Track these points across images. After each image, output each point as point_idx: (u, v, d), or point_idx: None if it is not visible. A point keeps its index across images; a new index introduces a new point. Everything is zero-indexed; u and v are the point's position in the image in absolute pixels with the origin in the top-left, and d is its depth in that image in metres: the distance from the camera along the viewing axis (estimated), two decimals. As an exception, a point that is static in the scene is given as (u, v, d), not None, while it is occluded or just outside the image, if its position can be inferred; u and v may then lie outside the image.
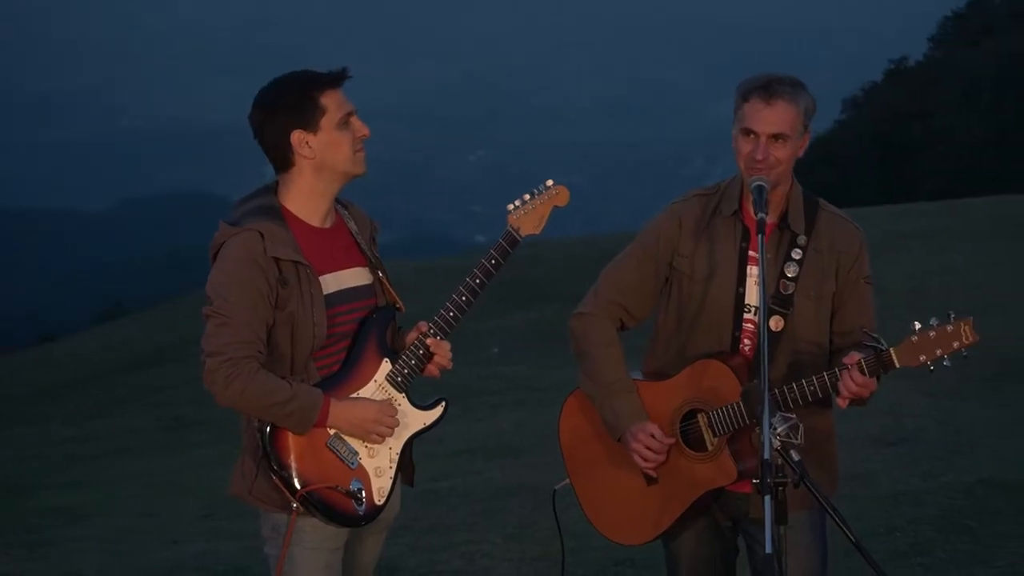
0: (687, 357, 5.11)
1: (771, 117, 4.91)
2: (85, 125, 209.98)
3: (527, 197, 5.07)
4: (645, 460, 5.08)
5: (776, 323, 4.99)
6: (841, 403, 4.84)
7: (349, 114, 4.82)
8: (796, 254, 5.03)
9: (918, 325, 4.68)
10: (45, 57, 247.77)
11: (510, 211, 5.04)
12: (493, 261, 4.96)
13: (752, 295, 5.04)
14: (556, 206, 5.11)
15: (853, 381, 4.74)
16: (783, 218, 5.05)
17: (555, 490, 5.57)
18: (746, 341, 5.05)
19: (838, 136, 62.54)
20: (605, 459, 5.29)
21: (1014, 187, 38.17)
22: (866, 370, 4.72)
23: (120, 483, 11.90)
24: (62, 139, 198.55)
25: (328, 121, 4.78)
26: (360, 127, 4.86)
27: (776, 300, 4.98)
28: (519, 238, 5.02)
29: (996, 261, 21.44)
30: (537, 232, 5.08)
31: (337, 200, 5.02)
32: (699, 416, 5.04)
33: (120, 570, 8.86)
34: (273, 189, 4.91)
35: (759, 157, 4.91)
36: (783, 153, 4.94)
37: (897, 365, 4.70)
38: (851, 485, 9.65)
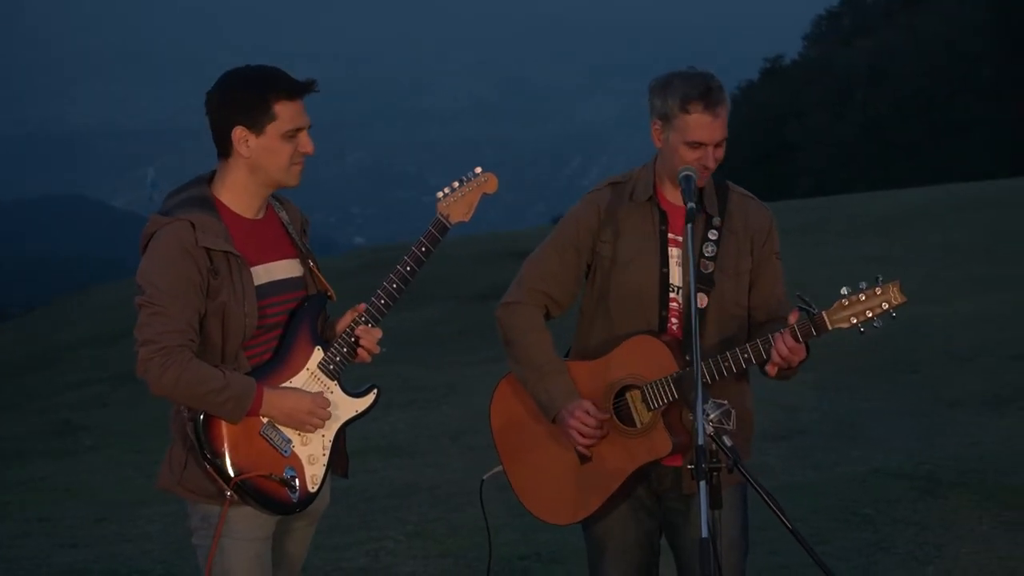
0: (615, 338, 5.20)
1: (718, 126, 5.07)
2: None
3: (456, 184, 5.12)
4: (583, 436, 5.15)
5: (701, 301, 5.11)
6: (771, 370, 4.95)
7: (299, 128, 4.81)
8: (712, 235, 5.18)
9: (847, 289, 4.82)
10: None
11: (439, 199, 5.08)
12: (423, 248, 4.99)
13: (675, 276, 5.19)
14: (485, 193, 5.16)
15: (785, 346, 4.86)
16: (698, 202, 5.14)
17: (483, 479, 5.60)
18: (673, 320, 5.19)
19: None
20: (538, 441, 5.35)
21: (888, 183, 38.77)
22: (799, 334, 4.85)
23: (12, 489, 11.71)
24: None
25: (275, 128, 4.77)
26: (306, 143, 4.86)
27: (698, 279, 5.10)
28: (449, 225, 5.06)
29: (871, 256, 21.73)
30: (466, 219, 5.11)
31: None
32: (629, 393, 5.13)
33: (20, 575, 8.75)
34: (207, 180, 4.91)
35: (711, 166, 5.11)
36: (721, 152, 5.13)
37: (829, 327, 4.84)
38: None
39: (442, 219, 5.05)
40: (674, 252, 5.18)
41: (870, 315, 4.80)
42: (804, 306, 4.87)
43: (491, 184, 5.18)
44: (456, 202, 5.09)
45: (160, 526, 9.46)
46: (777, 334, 4.89)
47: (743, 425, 5.19)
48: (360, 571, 8.25)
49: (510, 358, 5.36)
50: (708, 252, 5.15)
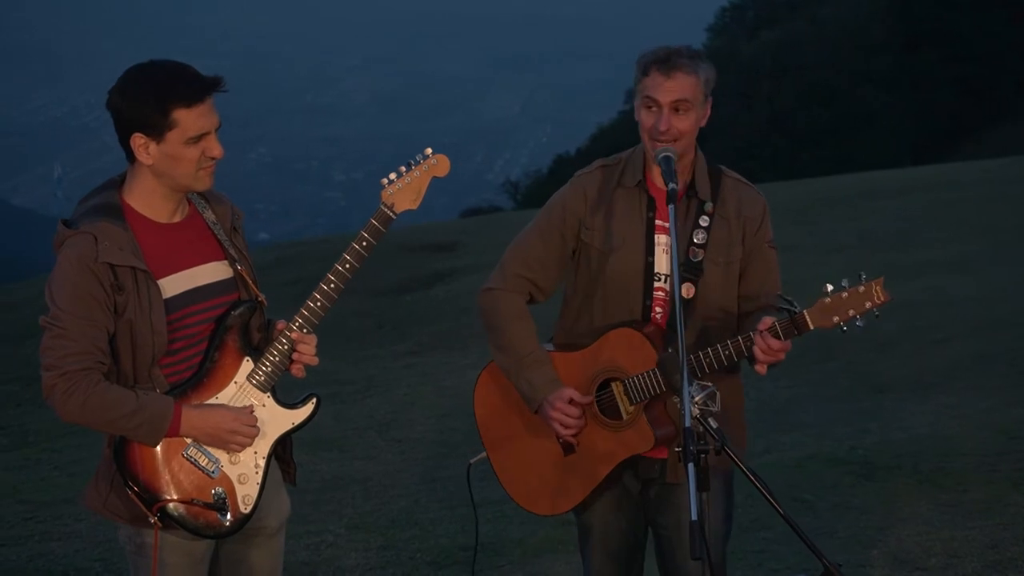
0: (598, 327, 5.13)
1: (671, 86, 4.96)
2: None
3: (403, 170, 4.82)
4: (565, 427, 5.09)
5: (687, 290, 5.04)
6: (760, 369, 4.88)
7: (204, 133, 4.55)
8: (704, 221, 5.08)
9: (830, 287, 4.75)
10: None
11: (384, 186, 4.78)
12: (365, 243, 4.71)
13: (662, 263, 5.08)
14: (435, 176, 4.86)
15: (769, 345, 4.77)
16: (690, 186, 5.10)
17: (470, 464, 5.50)
18: (658, 309, 5.09)
19: (623, 127, 63.27)
20: (521, 431, 5.28)
21: (795, 173, 39.05)
22: (780, 333, 4.75)
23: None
24: None
25: (176, 136, 4.51)
26: (213, 147, 4.58)
27: (686, 267, 5.03)
28: (393, 215, 4.77)
29: (785, 244, 21.76)
30: (415, 207, 4.81)
31: None
32: (614, 385, 5.05)
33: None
34: (118, 183, 4.65)
35: (662, 128, 4.97)
36: (685, 124, 5.00)
37: (811, 327, 4.76)
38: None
39: (386, 209, 4.75)
40: (661, 239, 5.09)
41: (852, 314, 4.72)
42: (786, 305, 4.78)
43: (442, 166, 4.85)
44: (403, 189, 4.78)
45: (88, 524, 9.30)
46: (757, 335, 4.79)
47: (736, 416, 5.18)
48: (303, 565, 8.15)
49: (492, 346, 5.27)
50: (698, 239, 5.06)
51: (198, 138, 4.53)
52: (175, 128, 4.49)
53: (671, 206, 4.72)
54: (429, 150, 4.85)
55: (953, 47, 54.30)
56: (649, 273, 5.08)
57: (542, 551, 8.02)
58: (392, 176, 4.80)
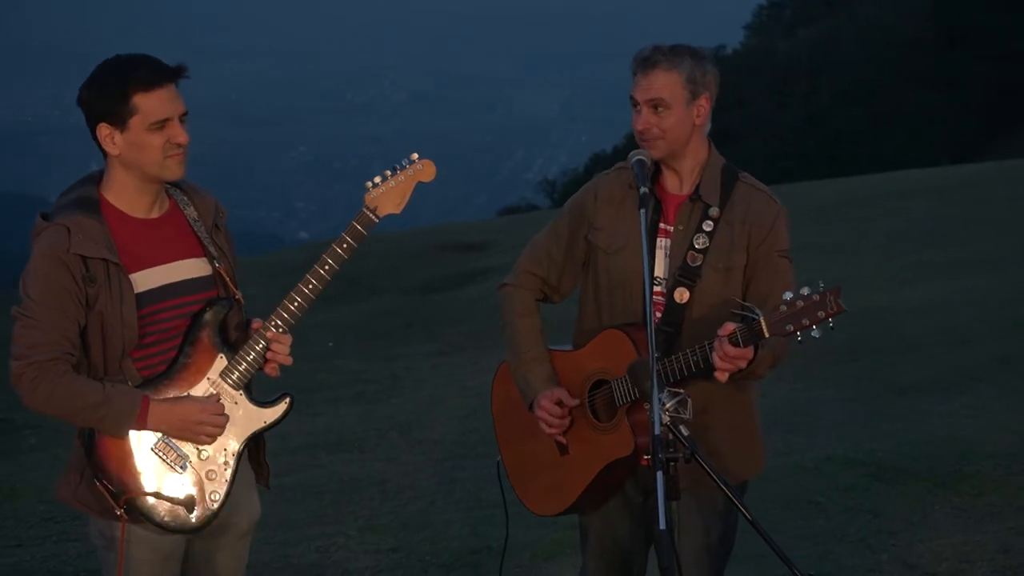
0: (600, 328, 5.10)
1: (648, 85, 4.92)
2: None
3: (388, 173, 4.80)
4: (549, 426, 5.08)
5: (681, 295, 4.96)
6: (720, 376, 4.75)
7: (167, 119, 4.55)
8: (707, 226, 4.99)
9: (789, 295, 4.62)
10: None
11: (368, 189, 4.77)
12: (345, 245, 4.71)
13: (661, 267, 5.02)
14: (421, 182, 4.84)
15: (724, 351, 4.67)
16: (695, 190, 5.02)
17: (497, 461, 5.48)
18: (656, 313, 5.01)
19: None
20: (526, 429, 5.26)
21: (830, 172, 38.88)
22: (740, 340, 4.66)
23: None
24: None
25: (138, 122, 4.53)
26: (177, 133, 4.58)
27: (683, 272, 4.96)
28: (376, 219, 4.77)
29: (816, 244, 21.75)
30: (398, 212, 4.79)
31: (176, 185, 4.80)
32: (604, 387, 5.03)
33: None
34: (96, 179, 4.69)
35: (640, 127, 4.95)
36: (667, 123, 4.93)
37: (766, 334, 4.63)
38: (698, 467, 9.72)
39: (368, 212, 4.75)
40: (662, 242, 5.02)
41: (807, 323, 4.59)
42: (745, 312, 4.69)
43: (427, 171, 4.84)
44: (387, 193, 4.77)
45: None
46: (716, 340, 4.70)
47: (747, 436, 5.15)
48: (311, 567, 8.16)
49: (504, 341, 5.32)
50: (699, 244, 4.97)
51: (161, 124, 4.54)
52: (136, 114, 4.51)
53: (642, 211, 4.65)
54: (415, 155, 4.84)
55: (991, 46, 54.00)
56: (650, 275, 5.00)
57: (552, 555, 8.01)
58: (377, 179, 4.79)
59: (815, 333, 4.62)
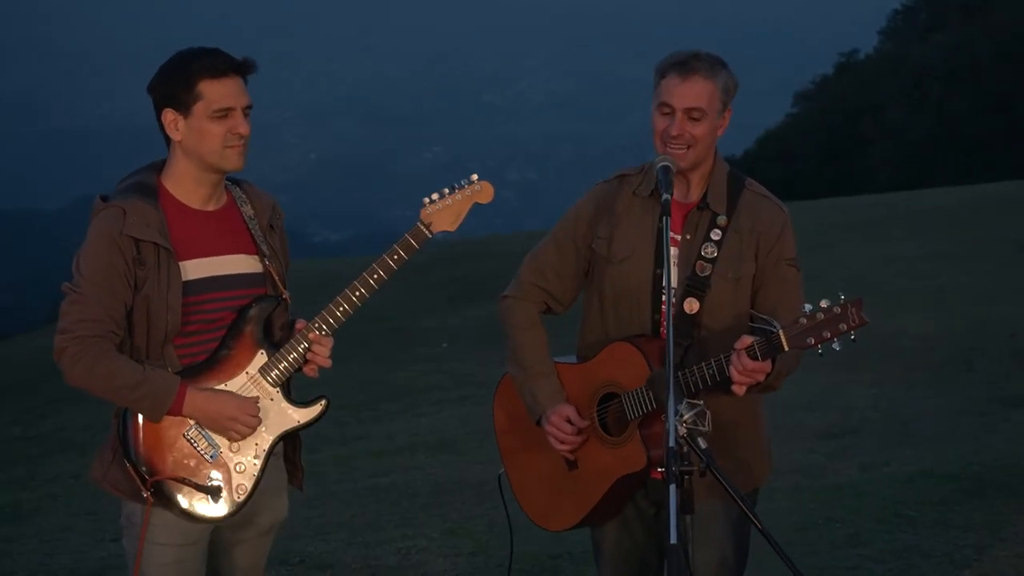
0: (607, 340, 5.01)
1: (687, 92, 4.83)
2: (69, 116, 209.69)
3: (446, 191, 4.83)
4: (560, 443, 5.00)
5: (691, 305, 4.87)
6: (737, 390, 4.68)
7: (230, 108, 4.61)
8: (715, 235, 4.91)
9: (809, 307, 4.53)
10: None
11: (425, 204, 4.80)
12: (396, 257, 4.75)
13: (671, 276, 4.90)
14: (477, 203, 4.87)
15: (742, 365, 4.59)
16: (703, 198, 4.94)
17: (500, 474, 5.42)
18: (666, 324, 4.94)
19: (790, 130, 62.78)
20: (532, 443, 5.19)
21: (963, 179, 38.32)
22: (758, 353, 4.58)
23: (63, 481, 11.74)
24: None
25: (202, 109, 4.60)
26: (239, 124, 4.63)
27: (692, 281, 4.86)
28: (429, 235, 4.80)
29: (942, 252, 21.47)
30: (452, 229, 4.83)
31: (235, 181, 4.86)
32: (615, 400, 4.94)
33: (54, 569, 8.74)
34: (159, 166, 4.76)
35: (674, 133, 4.84)
36: (700, 130, 4.86)
37: (786, 348, 4.55)
38: (793, 477, 9.64)
39: (422, 227, 4.79)
40: (672, 252, 4.91)
41: (828, 336, 4.51)
42: (762, 325, 4.61)
43: (485, 193, 4.88)
44: (443, 210, 4.81)
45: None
46: (734, 354, 4.61)
47: (754, 444, 5.04)
48: (389, 569, 8.16)
49: (507, 354, 5.22)
50: (707, 253, 4.88)
51: (224, 113, 4.60)
52: (200, 100, 4.59)
53: (665, 218, 4.58)
54: (475, 176, 4.88)
55: None
56: (657, 285, 4.93)
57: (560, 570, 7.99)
58: (434, 196, 4.82)
59: (836, 347, 4.54)
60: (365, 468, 11.26)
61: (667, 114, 4.87)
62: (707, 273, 4.89)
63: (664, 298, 4.91)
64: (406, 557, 8.33)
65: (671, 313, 4.48)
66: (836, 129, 58.38)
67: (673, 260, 4.92)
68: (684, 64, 4.85)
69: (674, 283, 4.90)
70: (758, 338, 4.58)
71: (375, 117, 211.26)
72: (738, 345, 4.59)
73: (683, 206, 4.95)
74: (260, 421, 4.69)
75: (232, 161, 4.67)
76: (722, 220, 4.93)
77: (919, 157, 52.63)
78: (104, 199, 4.66)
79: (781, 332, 4.55)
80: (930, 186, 37.43)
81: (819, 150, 58.07)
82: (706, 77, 4.85)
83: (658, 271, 4.93)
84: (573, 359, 5.20)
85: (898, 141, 54.57)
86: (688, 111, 4.84)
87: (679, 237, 4.93)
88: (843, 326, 4.51)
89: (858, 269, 20.83)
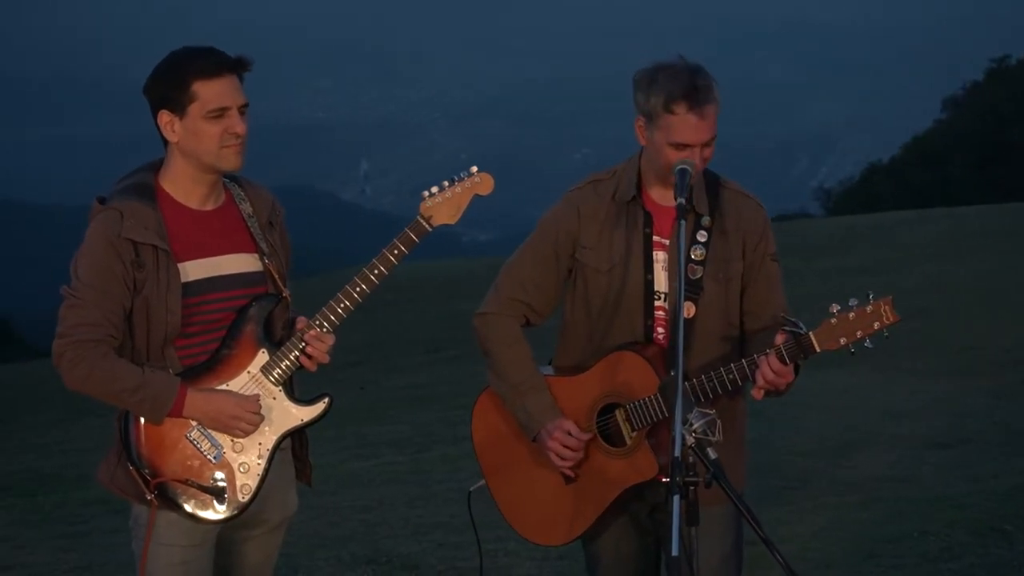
0: (602, 349, 4.92)
1: (705, 127, 4.73)
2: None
3: (446, 184, 4.76)
4: (562, 459, 4.90)
5: (688, 309, 4.78)
6: (756, 394, 4.64)
7: (225, 108, 4.57)
8: (702, 236, 4.84)
9: (837, 307, 4.51)
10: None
11: (424, 198, 4.73)
12: (396, 251, 4.67)
13: (661, 281, 4.86)
14: (478, 195, 4.79)
15: (771, 369, 4.55)
16: (687, 200, 4.78)
17: (470, 491, 5.33)
18: (659, 329, 4.88)
19: (938, 135, 61.94)
20: (520, 458, 5.08)
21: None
22: (786, 357, 4.54)
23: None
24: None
25: (197, 109, 4.55)
26: (235, 124, 4.58)
27: (686, 285, 4.73)
28: (429, 228, 4.72)
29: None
30: (453, 222, 4.76)
31: (234, 180, 4.83)
32: (617, 411, 4.87)
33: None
34: (156, 166, 4.73)
35: (700, 168, 4.76)
36: (711, 149, 4.78)
37: (817, 349, 4.53)
38: (894, 488, 9.52)
39: (422, 220, 4.71)
40: (659, 256, 4.85)
41: (860, 335, 4.49)
42: (791, 327, 4.55)
43: (485, 185, 4.79)
44: (443, 203, 4.72)
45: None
46: (762, 356, 4.56)
47: (734, 449, 4.91)
48: (474, 570, 8.14)
49: (489, 371, 5.08)
50: (696, 255, 4.81)
51: (219, 113, 4.57)
52: (195, 101, 4.55)
53: (682, 221, 4.53)
54: (474, 168, 4.81)
55: None
56: (649, 292, 4.85)
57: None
58: (434, 189, 4.76)
59: (869, 344, 4.52)
60: (470, 468, 11.20)
61: (682, 148, 4.74)
62: (698, 276, 4.83)
63: (663, 303, 4.88)
64: (493, 559, 8.28)
65: (681, 320, 4.42)
66: (985, 136, 57.55)
67: (662, 265, 4.88)
68: (694, 96, 4.70)
69: (667, 288, 4.87)
70: (786, 340, 4.55)
71: (522, 118, 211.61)
72: (777, 341, 4.57)
73: (668, 209, 4.84)
74: (262, 418, 4.67)
75: (229, 161, 4.65)
76: (706, 221, 4.86)
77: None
78: (101, 201, 4.65)
79: (811, 334, 4.55)
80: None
81: (967, 156, 57.25)
82: (714, 102, 4.74)
83: (649, 277, 4.86)
84: (550, 370, 5.10)
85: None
86: (707, 142, 4.76)
87: (667, 241, 4.86)
88: (876, 324, 4.51)
89: (997, 277, 20.58)
